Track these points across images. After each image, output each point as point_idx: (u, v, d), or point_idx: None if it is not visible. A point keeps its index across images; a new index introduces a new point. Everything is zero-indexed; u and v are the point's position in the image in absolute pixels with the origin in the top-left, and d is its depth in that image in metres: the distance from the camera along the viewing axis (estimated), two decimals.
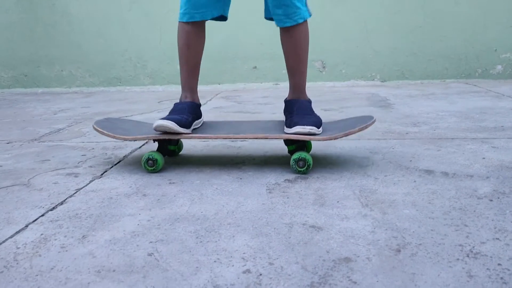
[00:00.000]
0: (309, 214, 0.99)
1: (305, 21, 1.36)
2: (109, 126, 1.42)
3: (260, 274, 0.75)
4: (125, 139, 1.33)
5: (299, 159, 1.25)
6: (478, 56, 3.19)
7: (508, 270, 0.72)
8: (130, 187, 1.21)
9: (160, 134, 1.31)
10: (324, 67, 3.35)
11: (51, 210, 1.07)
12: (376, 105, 2.36)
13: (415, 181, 1.17)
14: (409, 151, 1.45)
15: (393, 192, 1.10)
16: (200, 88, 3.44)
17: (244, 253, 0.82)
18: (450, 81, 3.19)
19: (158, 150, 1.36)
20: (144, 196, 1.13)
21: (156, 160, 1.30)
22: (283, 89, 3.16)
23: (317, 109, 2.33)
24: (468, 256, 0.78)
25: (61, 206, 1.08)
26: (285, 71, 3.45)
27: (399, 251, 0.81)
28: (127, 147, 1.64)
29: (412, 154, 1.42)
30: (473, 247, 0.81)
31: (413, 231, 0.88)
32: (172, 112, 1.36)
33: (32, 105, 2.86)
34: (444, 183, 1.14)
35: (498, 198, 1.03)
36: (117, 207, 1.06)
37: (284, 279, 0.73)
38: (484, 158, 1.34)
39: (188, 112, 1.35)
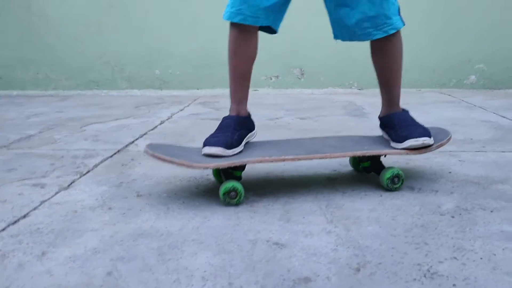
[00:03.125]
0: (274, 230, 0.99)
1: (398, 31, 1.26)
2: (164, 152, 1.19)
3: None
4: (194, 167, 1.13)
5: (394, 176, 1.19)
6: (453, 67, 3.25)
7: None
8: (97, 199, 1.19)
9: (226, 160, 1.16)
10: (302, 74, 3.37)
11: (12, 224, 1.04)
12: (351, 114, 2.38)
13: (381, 196, 1.18)
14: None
15: (358, 207, 1.11)
16: (179, 93, 3.44)
17: (205, 272, 0.82)
18: (426, 90, 3.25)
19: (225, 176, 1.20)
20: (110, 210, 1.12)
21: (239, 190, 1.13)
22: (262, 95, 3.16)
23: (293, 117, 2.35)
24: (425, 276, 0.79)
25: (24, 220, 1.06)
26: (265, 77, 3.47)
27: (359, 270, 0.81)
28: (98, 156, 1.62)
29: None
30: (431, 266, 0.82)
31: (375, 249, 0.89)
32: (217, 129, 1.24)
33: (5, 108, 2.80)
34: (409, 198, 1.16)
35: (460, 214, 1.05)
36: (80, 222, 1.05)
37: None
38: (450, 172, 1.36)
39: (234, 128, 1.23)
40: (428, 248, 0.89)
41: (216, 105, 2.81)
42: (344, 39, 1.31)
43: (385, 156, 1.26)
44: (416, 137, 1.20)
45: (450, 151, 1.59)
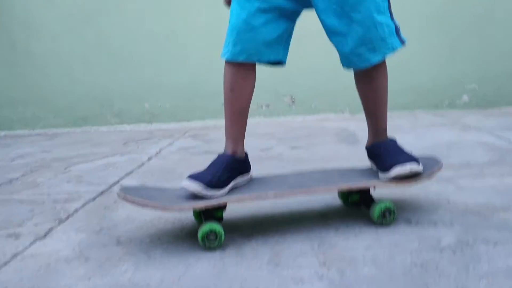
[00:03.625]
0: (262, 276, 0.91)
1: (384, 60, 1.21)
2: (138, 194, 1.13)
3: None
4: (168, 209, 1.08)
5: (384, 210, 1.12)
6: (445, 87, 3.22)
7: None
8: (73, 249, 1.11)
9: (203, 201, 1.09)
10: (293, 102, 3.34)
11: None
12: (344, 142, 2.33)
13: (377, 232, 1.11)
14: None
15: (353, 246, 1.04)
16: (169, 126, 3.39)
17: None
18: (418, 111, 3.21)
19: (205, 217, 1.12)
20: (86, 261, 1.04)
21: (219, 233, 1.05)
22: (253, 124, 3.11)
23: (285, 146, 2.29)
24: None
25: None
26: (255, 106, 3.43)
27: None
28: (80, 199, 1.54)
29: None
30: None
31: None
32: (208, 166, 1.16)
33: None
34: (406, 232, 1.09)
35: (462, 249, 0.97)
36: (53, 278, 0.97)
37: None
38: (449, 202, 1.29)
39: (224, 168, 1.15)
40: None
41: (206, 138, 2.75)
42: (348, 66, 1.24)
43: (374, 188, 1.18)
44: (403, 163, 1.13)
45: (447, 177, 1.53)
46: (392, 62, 3.61)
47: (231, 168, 1.16)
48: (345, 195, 1.29)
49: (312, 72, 3.30)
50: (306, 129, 2.83)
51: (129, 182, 1.75)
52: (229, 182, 1.15)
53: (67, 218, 1.36)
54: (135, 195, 1.10)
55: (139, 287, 0.90)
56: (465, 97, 3.23)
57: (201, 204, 1.08)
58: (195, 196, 1.10)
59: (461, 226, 1.10)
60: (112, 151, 2.45)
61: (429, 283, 0.85)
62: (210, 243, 1.05)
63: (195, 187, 1.08)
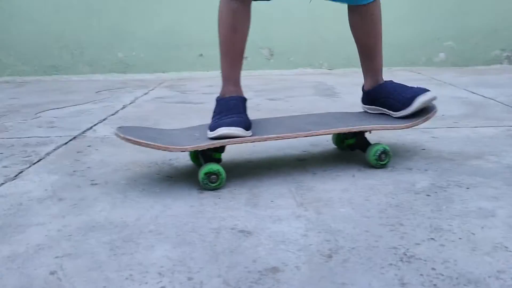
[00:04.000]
0: (239, 216, 0.91)
1: None
2: (137, 135, 1.09)
3: None
4: (171, 150, 1.04)
5: (381, 153, 1.14)
6: (422, 45, 3.22)
7: (442, 275, 0.68)
8: (46, 190, 1.09)
9: (214, 141, 1.07)
10: (271, 55, 3.28)
11: None
12: (322, 94, 2.32)
13: (354, 176, 1.12)
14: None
15: (330, 188, 1.05)
16: (144, 77, 3.29)
17: (161, 267, 0.73)
18: (396, 69, 3.22)
19: (204, 159, 1.10)
20: (60, 201, 1.02)
21: (221, 174, 1.05)
22: None
23: (262, 98, 2.26)
24: (401, 260, 0.73)
25: None
26: None
27: (331, 257, 0.75)
28: (52, 144, 1.49)
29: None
30: (408, 249, 0.76)
31: (347, 233, 0.83)
32: (225, 111, 1.12)
33: None
34: (382, 177, 1.10)
35: (436, 192, 1.00)
36: (25, 215, 0.94)
37: None
38: (424, 149, 1.31)
39: (244, 109, 1.15)
40: (403, 229, 0.83)
41: (182, 88, 2.69)
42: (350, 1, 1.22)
43: (370, 132, 1.20)
44: (424, 93, 1.17)
45: (423, 128, 1.55)
46: None
47: (245, 109, 1.17)
48: (340, 139, 1.30)
49: (291, 25, 3.23)
50: (284, 82, 2.80)
51: (102, 128, 1.70)
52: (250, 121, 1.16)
53: (39, 161, 1.32)
54: (134, 135, 1.07)
55: (115, 225, 0.89)
56: (442, 55, 3.24)
57: (204, 145, 1.07)
58: (195, 138, 1.09)
59: (435, 172, 1.12)
60: (84, 99, 2.37)
61: (403, 221, 0.87)
62: (210, 184, 1.05)
63: (237, 131, 1.06)
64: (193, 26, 3.23)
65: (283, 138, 1.11)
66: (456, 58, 3.24)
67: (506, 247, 0.75)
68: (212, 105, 1.22)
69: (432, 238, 0.79)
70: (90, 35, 3.24)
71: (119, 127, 1.12)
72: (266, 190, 1.05)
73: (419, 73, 3.01)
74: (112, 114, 1.95)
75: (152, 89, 2.67)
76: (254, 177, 1.13)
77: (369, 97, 1.29)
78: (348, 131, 1.15)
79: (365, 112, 1.33)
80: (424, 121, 1.19)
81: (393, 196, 0.99)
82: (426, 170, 1.14)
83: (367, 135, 1.24)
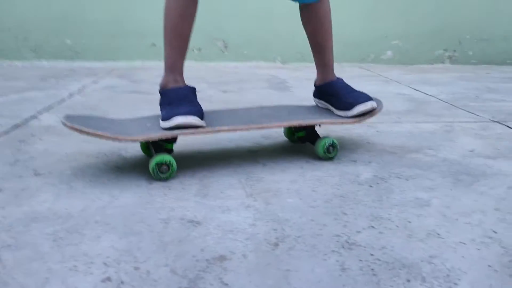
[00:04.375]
0: (189, 207, 0.92)
1: None
2: (85, 124, 1.06)
3: (122, 282, 0.66)
4: (120, 140, 1.02)
5: (329, 145, 1.18)
6: (371, 42, 3.34)
7: (379, 260, 0.72)
8: None
9: (167, 131, 1.06)
10: (226, 47, 3.27)
11: None
12: (274, 87, 2.35)
13: (302, 168, 1.15)
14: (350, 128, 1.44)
15: (279, 179, 1.07)
16: (93, 64, 3.18)
17: (107, 257, 0.72)
18: (346, 65, 3.31)
19: (155, 149, 1.09)
20: None
21: (172, 165, 1.04)
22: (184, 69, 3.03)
23: (215, 90, 2.26)
24: (343, 247, 0.76)
25: None
26: None
27: (277, 245, 0.77)
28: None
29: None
30: (349, 237, 0.80)
31: (294, 222, 0.85)
32: (177, 101, 1.11)
33: None
34: (329, 169, 1.14)
35: (378, 183, 1.05)
36: None
37: (148, 285, 0.65)
38: (368, 142, 1.37)
39: (195, 99, 1.13)
40: (346, 218, 0.87)
41: (133, 77, 2.63)
42: None
43: (319, 125, 1.24)
44: (364, 102, 1.21)
45: (369, 122, 1.61)
46: None
47: (196, 98, 1.16)
48: (291, 131, 1.34)
49: (246, 19, 3.24)
50: (237, 75, 2.81)
51: (47, 117, 1.64)
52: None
53: None
54: (82, 124, 1.03)
55: (59, 216, 0.87)
56: (389, 53, 3.37)
57: (155, 135, 1.05)
58: (146, 128, 1.06)
59: (377, 164, 1.18)
60: (28, 86, 2.26)
61: (346, 210, 0.90)
62: (161, 174, 1.04)
63: (194, 120, 1.05)
64: (146, 14, 3.16)
65: (235, 130, 1.12)
66: (402, 56, 3.38)
67: (438, 234, 0.81)
68: None
69: (372, 226, 0.84)
70: (36, 19, 3.09)
71: (66, 116, 1.09)
72: (216, 181, 1.06)
73: (367, 69, 3.12)
74: (58, 103, 1.88)
75: (102, 78, 2.59)
76: (205, 168, 1.14)
77: (318, 92, 1.34)
78: (298, 124, 1.18)
79: (316, 106, 1.37)
80: (370, 117, 1.24)
81: (338, 187, 1.03)
82: (370, 162, 1.19)
83: (316, 128, 1.28)
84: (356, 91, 1.26)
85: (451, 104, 1.95)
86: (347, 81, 2.61)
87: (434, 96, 2.13)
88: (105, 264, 0.71)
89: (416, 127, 1.56)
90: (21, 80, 2.44)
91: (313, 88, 1.36)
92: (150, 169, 1.04)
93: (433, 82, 2.59)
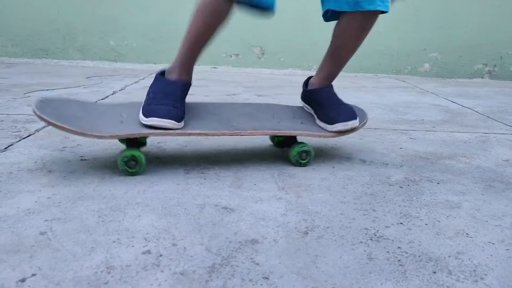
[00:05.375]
0: (223, 195, 0.96)
1: (378, 13, 1.15)
2: (57, 113, 1.04)
3: (161, 255, 0.71)
4: (86, 136, 0.99)
5: (302, 152, 1.16)
6: (409, 54, 3.32)
7: (406, 253, 0.74)
8: (36, 162, 1.12)
9: (136, 131, 1.05)
10: (263, 54, 3.34)
11: None
12: None
13: (333, 167, 1.18)
14: (332, 139, 1.47)
15: (310, 176, 1.10)
16: (134, 66, 3.31)
17: (147, 234, 0.78)
18: (382, 75, 3.31)
19: (128, 143, 1.10)
20: (49, 173, 1.05)
21: (139, 159, 1.04)
22: (221, 73, 3.11)
23: (251, 94, 2.32)
24: (371, 239, 0.79)
25: None
26: (224, 54, 3.40)
27: (307, 233, 0.80)
28: (40, 121, 1.52)
29: (335, 141, 1.44)
30: (378, 230, 0.82)
31: (324, 215, 0.88)
32: (161, 95, 1.11)
33: None
34: (360, 170, 1.16)
35: (408, 185, 1.06)
36: (15, 183, 0.97)
37: (185, 260, 0.70)
38: (401, 148, 1.38)
39: (180, 97, 1.13)
40: (375, 214, 0.89)
41: None
42: (330, 7, 1.19)
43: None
44: (345, 121, 1.17)
45: (402, 129, 1.62)
46: None
47: (184, 94, 1.16)
48: (273, 135, 1.30)
49: (283, 27, 3.30)
50: (273, 81, 2.86)
51: None
52: (185, 108, 1.15)
53: (28, 136, 1.34)
54: (52, 115, 1.00)
55: (104, 196, 0.93)
56: (427, 65, 3.35)
57: (125, 133, 1.04)
58: (119, 121, 1.06)
59: (409, 168, 1.19)
60: (74, 83, 2.39)
61: (376, 207, 0.93)
62: (130, 170, 1.04)
63: (169, 124, 1.06)
64: (185, 19, 3.26)
65: (207, 135, 1.10)
66: (440, 69, 3.34)
67: (467, 234, 0.82)
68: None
69: (401, 223, 0.85)
70: (83, 21, 3.25)
71: (40, 100, 1.04)
72: (250, 175, 1.10)
73: (404, 81, 3.10)
74: (102, 99, 1.98)
75: (143, 79, 2.70)
76: (239, 163, 1.18)
77: (305, 96, 1.30)
78: (273, 134, 1.14)
79: (302, 108, 1.32)
80: (350, 132, 1.19)
81: (368, 186, 1.05)
82: (401, 165, 1.21)
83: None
84: (342, 104, 1.21)
85: (488, 116, 1.92)
86: (382, 91, 2.61)
87: (470, 108, 2.10)
88: (145, 239, 0.76)
89: (450, 136, 1.55)
90: (68, 78, 2.58)
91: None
92: (119, 166, 1.04)
93: (471, 95, 2.56)
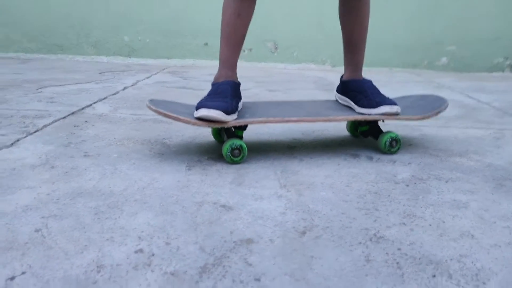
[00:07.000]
0: (223, 193, 0.95)
1: None
2: (165, 107, 1.16)
3: (153, 254, 0.70)
4: (198, 125, 1.11)
5: (392, 140, 1.22)
6: (425, 48, 3.24)
7: (406, 255, 0.72)
8: (40, 158, 1.12)
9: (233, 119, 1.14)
10: (276, 48, 3.31)
11: None
12: (321, 89, 2.35)
13: (339, 164, 1.15)
14: (340, 134, 1.44)
15: (314, 174, 1.08)
16: (148, 61, 3.32)
17: (142, 232, 0.77)
18: (397, 69, 3.24)
19: (228, 135, 1.17)
20: (52, 168, 1.05)
21: (242, 148, 1.12)
22: None
23: (262, 88, 2.29)
24: (371, 240, 0.76)
25: None
26: None
27: (305, 233, 0.78)
28: (50, 117, 1.53)
29: (343, 137, 1.41)
30: (378, 231, 0.79)
31: (324, 214, 0.86)
32: (213, 95, 1.16)
33: None
34: (366, 167, 1.14)
35: (415, 183, 1.03)
36: (17, 179, 0.98)
37: (177, 259, 0.69)
38: (411, 144, 1.34)
39: (231, 95, 1.16)
40: (378, 214, 0.86)
41: (184, 75, 2.73)
42: None
43: (383, 121, 1.26)
44: (391, 105, 1.22)
45: (414, 125, 1.58)
46: (375, 18, 3.61)
47: (236, 94, 1.20)
48: (355, 126, 1.38)
49: (297, 21, 3.25)
50: (285, 75, 2.83)
51: (101, 106, 1.74)
52: (238, 107, 1.19)
53: (36, 131, 1.35)
54: (165, 108, 1.12)
55: (103, 193, 0.92)
56: (444, 59, 3.26)
57: (230, 123, 1.12)
58: (213, 121, 1.11)
59: (417, 165, 1.15)
60: (86, 79, 2.40)
61: (379, 206, 0.90)
62: (234, 158, 1.12)
63: (217, 114, 1.09)
64: (200, 14, 3.25)
65: (303, 121, 1.17)
66: (458, 63, 3.26)
67: (472, 235, 0.79)
68: (206, 93, 1.24)
69: (403, 223, 0.83)
70: (97, 17, 3.27)
71: (150, 100, 1.17)
72: (252, 172, 1.08)
73: (419, 75, 3.03)
74: (113, 94, 1.99)
75: (155, 74, 2.70)
76: (243, 160, 1.17)
77: (344, 87, 1.34)
78: (363, 119, 1.22)
79: (337, 101, 1.39)
80: (435, 114, 1.26)
81: (373, 184, 1.02)
82: (409, 163, 1.17)
83: (380, 123, 1.31)
84: (385, 96, 1.27)
85: (505, 112, 1.86)
86: (395, 85, 2.55)
87: (487, 103, 2.04)
88: (139, 237, 0.75)
89: (463, 132, 1.51)
90: (81, 73, 2.60)
91: None
92: (224, 153, 1.12)
93: (488, 89, 2.48)
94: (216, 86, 1.19)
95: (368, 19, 1.30)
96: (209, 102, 1.12)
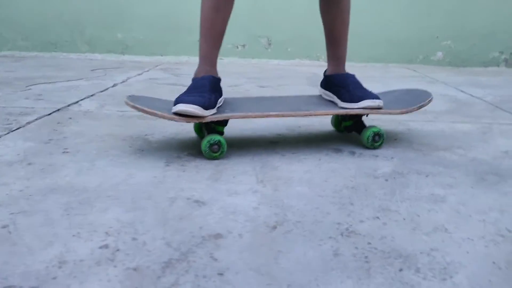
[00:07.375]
0: (198, 188, 0.94)
1: None
2: (143, 102, 1.15)
3: (118, 250, 0.69)
4: (176, 120, 1.09)
5: (375, 134, 1.21)
6: (420, 43, 3.22)
7: (376, 249, 0.70)
8: (18, 154, 1.11)
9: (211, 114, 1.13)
10: (269, 44, 3.29)
11: None
12: (313, 84, 2.33)
13: (320, 159, 1.14)
14: (326, 130, 1.43)
15: (294, 169, 1.07)
16: (142, 58, 3.31)
17: (110, 228, 0.76)
18: (392, 65, 3.22)
19: (208, 131, 1.17)
20: (29, 165, 1.04)
21: (221, 143, 1.11)
22: (226, 65, 3.08)
23: (253, 85, 2.28)
24: (342, 234, 0.75)
25: None
26: (230, 45, 3.36)
27: (275, 228, 0.77)
28: (34, 114, 1.52)
29: (328, 132, 1.40)
30: (350, 225, 0.78)
31: (298, 209, 0.85)
32: (191, 90, 1.15)
33: None
34: (347, 162, 1.12)
35: (394, 178, 1.02)
36: None
37: (141, 255, 0.68)
38: (396, 139, 1.33)
39: (209, 90, 1.15)
40: (352, 208, 0.85)
41: (177, 72, 2.71)
42: None
43: (367, 115, 1.26)
44: (373, 99, 1.21)
45: (401, 120, 1.56)
46: (369, 14, 3.60)
47: (215, 89, 1.18)
48: (339, 121, 1.38)
49: (291, 16, 3.23)
50: (278, 71, 2.81)
51: (87, 103, 1.73)
52: (217, 102, 1.18)
53: (18, 128, 1.35)
54: (142, 104, 1.12)
55: (76, 189, 0.92)
56: (440, 54, 3.24)
57: (209, 118, 1.11)
58: (191, 116, 1.10)
59: (399, 160, 1.14)
60: (77, 76, 2.39)
61: (354, 201, 0.89)
62: (213, 153, 1.11)
63: (194, 109, 1.08)
64: (194, 11, 3.23)
65: (283, 116, 1.16)
66: (454, 58, 3.23)
67: (446, 229, 0.77)
68: None
69: (377, 217, 0.81)
70: (91, 14, 3.26)
71: (129, 95, 1.15)
72: (231, 167, 1.07)
73: (414, 70, 3.01)
74: (101, 91, 1.98)
75: (147, 71, 2.69)
76: (222, 155, 1.15)
77: (327, 82, 1.34)
78: (345, 113, 1.22)
79: (321, 96, 1.38)
80: (418, 109, 1.25)
81: (352, 179, 1.01)
82: (392, 158, 1.16)
83: (364, 118, 1.31)
84: (367, 89, 1.26)
85: (496, 106, 1.84)
86: (390, 80, 2.53)
87: (480, 98, 2.02)
88: (106, 233, 0.74)
89: (450, 127, 1.49)
90: (73, 71, 2.59)
91: None
92: (203, 148, 1.11)
93: (483, 84, 2.46)
94: (195, 81, 1.18)
95: (349, 14, 1.30)
96: (187, 97, 1.11)
